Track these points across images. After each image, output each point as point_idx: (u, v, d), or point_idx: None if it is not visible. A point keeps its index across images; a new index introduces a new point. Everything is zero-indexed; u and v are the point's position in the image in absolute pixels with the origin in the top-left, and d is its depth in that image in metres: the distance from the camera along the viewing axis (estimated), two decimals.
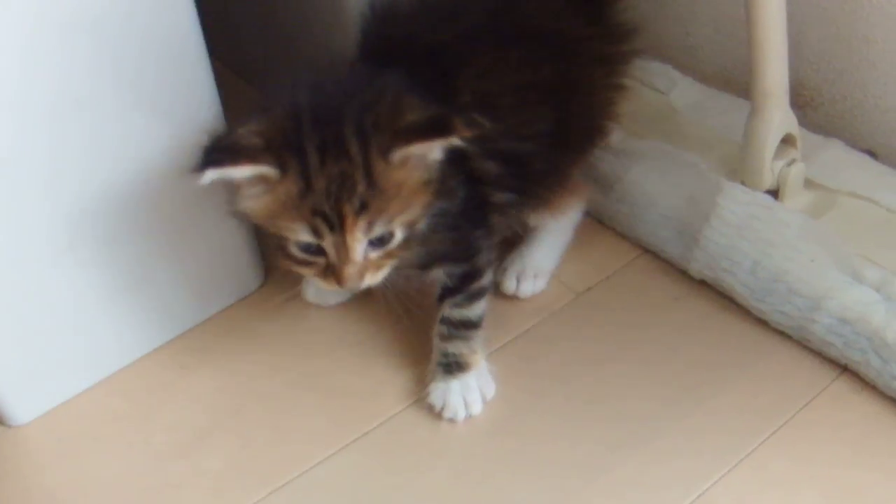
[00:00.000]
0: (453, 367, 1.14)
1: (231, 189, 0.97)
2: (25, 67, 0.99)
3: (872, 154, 1.31)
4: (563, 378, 1.16)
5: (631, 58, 1.20)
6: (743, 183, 1.23)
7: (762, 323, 1.18)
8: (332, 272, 0.98)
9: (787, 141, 1.22)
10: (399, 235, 0.98)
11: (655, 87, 1.43)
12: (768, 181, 1.22)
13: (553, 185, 1.16)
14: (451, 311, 1.14)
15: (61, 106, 1.03)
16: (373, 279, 0.99)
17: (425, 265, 1.10)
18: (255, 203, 0.96)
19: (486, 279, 1.13)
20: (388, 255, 0.99)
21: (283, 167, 0.93)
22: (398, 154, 0.94)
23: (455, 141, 0.94)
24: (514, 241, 1.26)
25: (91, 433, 1.16)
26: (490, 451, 1.10)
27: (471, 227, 1.10)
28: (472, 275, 1.12)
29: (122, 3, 1.03)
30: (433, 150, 0.96)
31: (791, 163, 1.22)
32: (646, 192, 1.27)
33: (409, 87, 0.97)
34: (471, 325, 1.14)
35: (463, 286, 1.12)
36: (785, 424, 1.09)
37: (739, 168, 1.23)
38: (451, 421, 1.13)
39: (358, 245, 0.95)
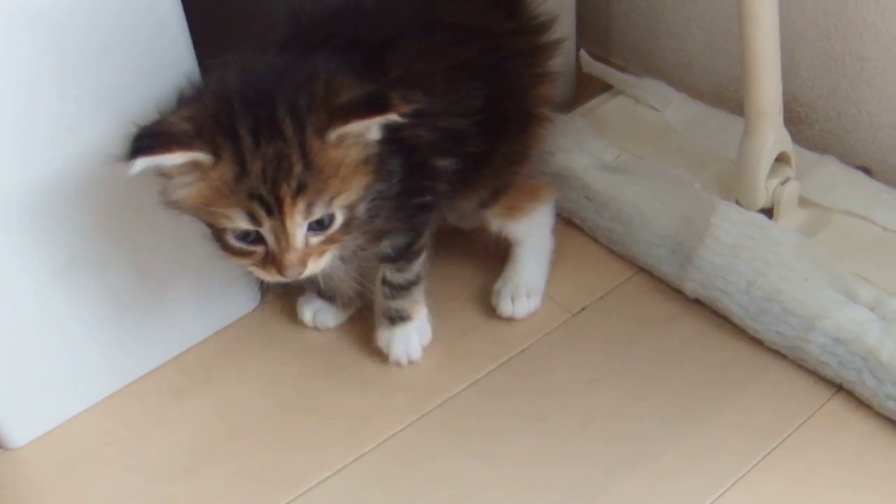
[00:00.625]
0: (396, 319, 1.19)
1: (163, 179, 0.95)
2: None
3: (867, 171, 1.31)
4: (558, 399, 1.15)
5: (551, 49, 1.21)
6: (737, 202, 1.23)
7: (757, 342, 1.18)
8: (271, 261, 0.96)
9: (782, 159, 1.22)
10: (340, 218, 0.97)
11: (650, 104, 1.43)
12: (763, 200, 1.22)
13: (498, 171, 1.17)
14: (392, 275, 1.17)
15: (56, 127, 1.03)
16: (315, 267, 0.98)
17: (370, 244, 1.10)
18: (189, 192, 0.94)
19: (424, 239, 1.15)
20: (330, 240, 0.98)
21: (216, 152, 0.91)
22: (334, 133, 0.93)
23: (393, 117, 0.93)
24: (500, 261, 1.27)
25: (87, 456, 1.16)
26: (487, 473, 1.09)
27: (414, 196, 1.09)
28: (412, 242, 1.14)
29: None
30: (371, 129, 0.95)
31: (785, 181, 1.22)
32: (640, 211, 1.27)
33: (340, 67, 0.97)
34: (412, 284, 1.18)
35: (404, 253, 1.15)
36: (780, 444, 1.09)
37: (734, 187, 1.24)
38: (397, 364, 1.20)
39: (298, 230, 0.94)
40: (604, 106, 1.46)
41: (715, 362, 1.18)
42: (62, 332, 1.15)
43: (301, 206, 0.93)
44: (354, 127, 0.93)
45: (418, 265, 1.17)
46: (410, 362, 1.21)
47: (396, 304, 1.19)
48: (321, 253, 0.98)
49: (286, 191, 0.92)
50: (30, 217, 1.06)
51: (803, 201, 1.25)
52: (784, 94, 1.19)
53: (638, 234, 1.27)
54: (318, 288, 1.24)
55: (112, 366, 1.21)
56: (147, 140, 0.90)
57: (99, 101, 1.04)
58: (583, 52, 1.48)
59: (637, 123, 1.40)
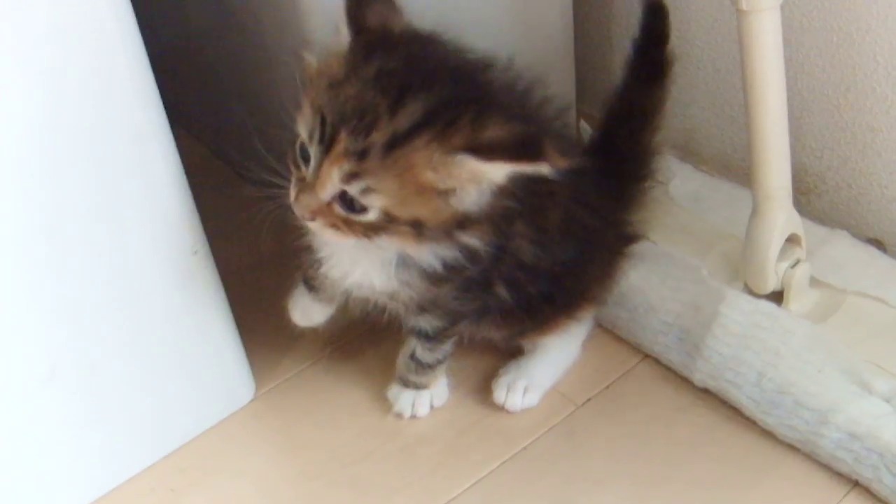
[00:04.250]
0: (412, 384, 1.20)
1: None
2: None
3: (879, 243, 1.28)
4: (562, 500, 1.12)
5: (623, 259, 1.21)
6: (746, 285, 1.20)
7: (769, 434, 1.14)
8: (299, 187, 0.91)
9: (792, 240, 1.18)
10: (372, 215, 0.90)
11: None
12: (772, 283, 1.19)
13: (532, 317, 1.13)
14: (423, 353, 1.16)
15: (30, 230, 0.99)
16: (322, 231, 0.93)
17: (418, 310, 1.08)
18: (325, 57, 0.92)
19: (459, 326, 1.14)
20: (349, 223, 0.91)
21: (356, 47, 0.90)
22: (461, 159, 0.86)
23: (544, 169, 0.85)
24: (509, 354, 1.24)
25: None
26: None
27: (471, 298, 1.06)
28: (447, 327, 1.12)
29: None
30: (499, 175, 0.88)
31: (796, 263, 1.19)
32: (646, 297, 1.23)
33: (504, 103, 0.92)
34: (438, 363, 1.18)
35: (439, 333, 1.13)
36: None
37: (742, 269, 1.20)
38: (398, 416, 1.21)
39: (329, 183, 0.88)
40: None
41: (725, 458, 1.14)
42: (50, 435, 1.11)
43: (345, 167, 0.87)
44: (491, 167, 0.86)
45: (448, 346, 1.16)
46: (414, 417, 1.21)
47: (417, 377, 1.19)
48: (336, 226, 0.92)
49: (344, 139, 0.87)
50: (12, 325, 1.02)
51: (814, 281, 1.22)
52: (792, 164, 1.15)
53: (643, 321, 1.23)
54: (305, 278, 1.17)
55: (104, 466, 1.18)
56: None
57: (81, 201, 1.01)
58: (583, 123, 1.44)
59: None
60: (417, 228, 0.91)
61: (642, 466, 1.14)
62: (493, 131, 0.87)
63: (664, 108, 1.18)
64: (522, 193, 0.92)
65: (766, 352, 1.14)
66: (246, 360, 1.25)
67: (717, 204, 1.33)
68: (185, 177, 1.08)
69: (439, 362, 1.18)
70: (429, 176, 0.88)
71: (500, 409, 1.21)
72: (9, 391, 1.06)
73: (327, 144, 0.88)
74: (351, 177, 0.88)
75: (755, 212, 1.16)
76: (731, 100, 1.36)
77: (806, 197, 1.33)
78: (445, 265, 0.98)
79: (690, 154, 1.44)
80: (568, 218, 1.06)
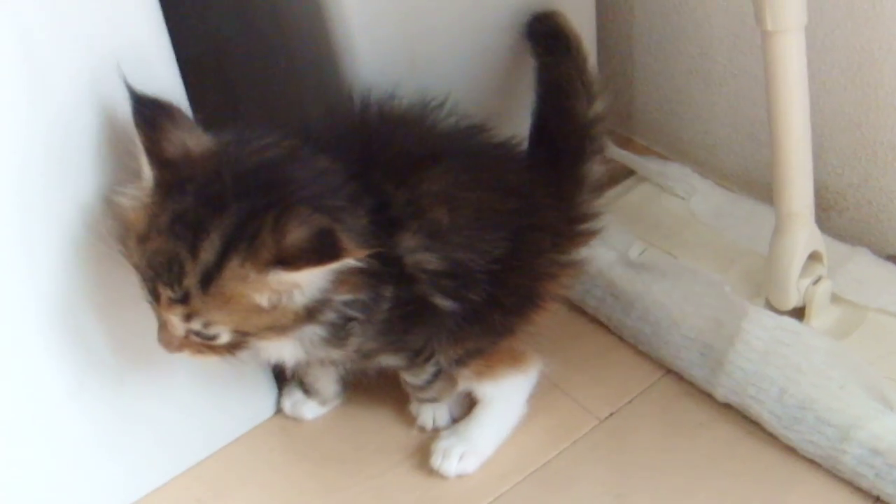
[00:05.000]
0: (427, 400, 1.20)
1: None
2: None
3: None
4: None
5: (583, 238, 1.18)
6: (768, 301, 1.20)
7: (791, 450, 1.14)
8: (158, 324, 0.94)
9: (814, 257, 1.19)
10: (225, 338, 0.93)
11: (675, 192, 1.40)
12: (794, 300, 1.19)
13: (480, 334, 1.10)
14: (408, 378, 1.17)
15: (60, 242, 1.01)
16: (193, 357, 0.95)
17: (361, 361, 1.09)
18: (127, 205, 0.93)
19: (429, 349, 1.10)
20: (213, 349, 0.94)
21: (157, 188, 0.90)
22: (276, 276, 0.88)
23: (349, 262, 0.88)
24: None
25: None
26: None
27: (407, 331, 1.06)
28: (413, 357, 1.11)
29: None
30: (316, 277, 0.90)
31: (817, 280, 1.19)
32: (669, 312, 1.24)
33: (320, 178, 0.94)
34: (431, 382, 1.16)
35: (412, 364, 1.13)
36: None
37: (764, 286, 1.21)
38: (421, 430, 1.22)
39: (173, 325, 0.92)
40: (627, 195, 1.43)
41: (746, 473, 1.14)
42: (76, 447, 1.12)
43: (179, 311, 0.90)
44: (302, 276, 0.88)
45: (432, 367, 1.13)
46: (437, 429, 1.21)
47: (422, 394, 1.19)
48: (201, 352, 0.95)
49: (163, 292, 0.89)
50: (43, 338, 1.04)
51: (835, 298, 1.22)
52: (814, 181, 1.16)
53: (666, 336, 1.24)
54: (299, 380, 1.24)
55: (129, 478, 1.19)
56: (146, 108, 0.90)
57: None
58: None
59: (662, 214, 1.37)
60: (276, 331, 0.94)
61: (664, 480, 1.15)
62: (295, 234, 0.88)
63: (584, 80, 1.18)
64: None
65: (788, 367, 1.14)
66: (271, 373, 1.26)
67: (739, 220, 1.34)
68: None
69: (431, 382, 1.16)
70: (253, 296, 0.90)
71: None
72: (37, 404, 1.07)
73: (155, 297, 0.91)
74: (187, 317, 0.91)
75: (778, 229, 1.17)
76: (752, 117, 1.37)
77: (827, 214, 1.33)
78: (335, 327, 0.98)
79: (712, 170, 1.45)
80: (482, 208, 1.05)
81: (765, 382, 1.15)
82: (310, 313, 0.94)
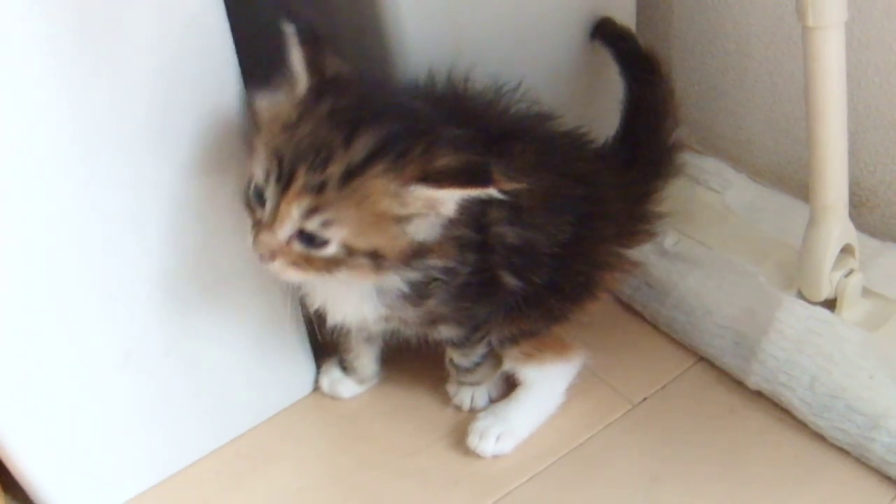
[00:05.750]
0: (466, 383, 1.23)
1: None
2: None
3: None
4: (619, 496, 1.15)
5: (643, 237, 1.23)
6: (800, 292, 1.22)
7: (820, 437, 1.17)
8: (257, 228, 0.94)
9: (846, 251, 1.21)
10: (332, 249, 0.93)
11: (710, 186, 1.42)
12: (826, 292, 1.21)
13: (536, 318, 1.14)
14: (458, 358, 1.20)
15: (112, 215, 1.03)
16: (283, 271, 0.94)
17: (424, 327, 1.11)
18: (271, 103, 0.96)
19: (485, 329, 1.15)
20: (309, 260, 0.94)
21: (310, 91, 0.94)
22: (416, 190, 0.91)
23: (493, 192, 0.90)
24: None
25: None
26: None
27: (476, 301, 1.09)
28: (469, 335, 1.15)
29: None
30: (450, 201, 0.93)
31: (849, 273, 1.21)
32: (703, 301, 1.26)
33: (451, 138, 0.95)
34: (477, 365, 1.20)
35: (465, 342, 1.16)
36: None
37: (797, 277, 1.22)
38: (457, 408, 1.25)
39: (287, 220, 0.91)
40: None
41: (777, 459, 1.16)
42: (122, 417, 1.15)
43: (304, 203, 0.90)
44: (444, 193, 0.91)
45: (483, 347, 1.18)
46: (473, 410, 1.24)
47: (465, 377, 1.23)
48: (297, 265, 0.94)
49: (302, 174, 0.90)
50: (90, 310, 1.06)
51: (866, 292, 1.24)
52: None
53: (700, 324, 1.26)
54: (338, 358, 1.26)
55: (170, 448, 1.22)
56: (303, 33, 0.94)
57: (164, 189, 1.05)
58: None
59: (696, 206, 1.39)
60: (375, 260, 0.95)
61: (696, 464, 1.17)
62: (443, 161, 0.91)
63: (672, 105, 1.25)
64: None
65: (820, 357, 1.16)
66: (311, 350, 1.29)
67: (772, 214, 1.36)
68: None
69: (478, 365, 1.20)
70: (386, 203, 0.91)
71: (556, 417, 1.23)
72: (85, 374, 1.10)
73: (285, 183, 0.91)
74: (310, 212, 0.90)
75: (812, 222, 1.19)
76: (787, 113, 1.39)
77: (859, 210, 1.35)
78: (418, 285, 1.01)
79: (746, 165, 1.46)
80: (552, 191, 1.07)
81: (796, 371, 1.17)
82: (415, 254, 0.96)
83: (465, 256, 1.01)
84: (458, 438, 1.22)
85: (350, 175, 0.90)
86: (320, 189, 0.90)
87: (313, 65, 0.95)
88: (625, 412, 1.23)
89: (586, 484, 1.16)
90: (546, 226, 1.07)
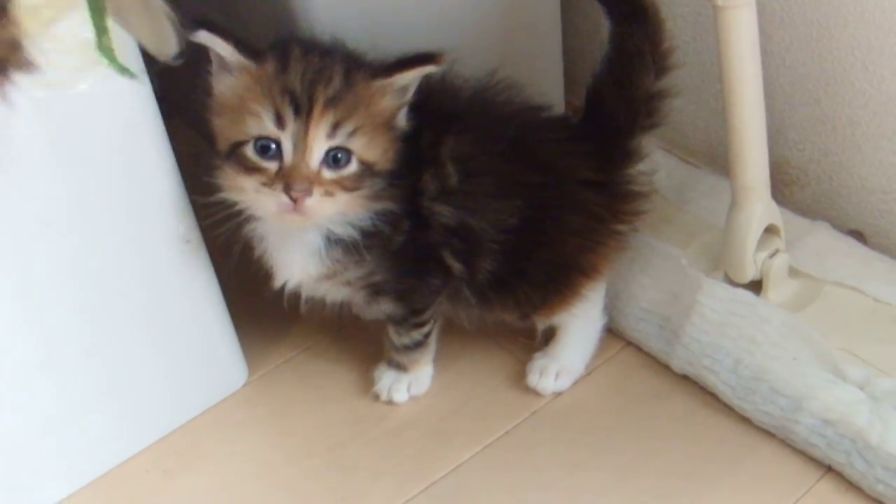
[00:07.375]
0: (394, 364, 1.24)
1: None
2: None
3: (859, 234, 1.30)
4: (541, 485, 1.14)
5: (631, 216, 1.18)
6: (726, 275, 1.22)
7: (746, 420, 1.17)
8: (282, 177, 0.98)
9: (771, 230, 1.20)
10: (354, 166, 1.00)
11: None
12: (751, 273, 1.21)
13: (519, 300, 1.15)
14: (395, 336, 1.21)
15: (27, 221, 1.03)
16: (319, 205, 0.99)
17: (367, 299, 1.14)
18: (231, 84, 1.00)
19: (426, 317, 1.18)
20: (339, 183, 0.99)
21: (260, 60, 0.99)
22: (384, 80, 1.00)
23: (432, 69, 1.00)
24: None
25: None
26: None
27: (420, 278, 1.11)
28: (408, 316, 1.17)
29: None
30: (413, 84, 1.01)
31: (774, 254, 1.21)
32: (627, 285, 1.26)
33: None
34: (412, 347, 1.21)
35: (405, 322, 1.18)
36: None
37: (721, 259, 1.22)
38: (375, 397, 1.25)
39: (317, 144, 0.97)
40: None
41: (703, 442, 1.16)
42: (45, 420, 1.14)
43: (329, 118, 0.97)
44: (403, 77, 1.00)
45: (418, 335, 1.19)
46: (390, 402, 1.24)
47: (398, 356, 1.23)
48: (329, 193, 0.99)
49: (321, 93, 0.97)
50: (8, 312, 1.06)
51: (793, 271, 1.24)
52: (775, 156, 1.18)
53: (625, 309, 1.26)
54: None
55: (97, 449, 1.20)
56: (216, 27, 0.98)
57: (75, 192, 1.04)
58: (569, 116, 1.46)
59: None
60: (373, 178, 1.02)
61: (622, 450, 1.17)
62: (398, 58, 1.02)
63: (656, 52, 1.14)
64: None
65: (742, 339, 1.16)
66: (238, 345, 1.28)
67: (701, 195, 1.35)
68: (177, 167, 1.11)
69: (408, 349, 1.21)
70: (386, 102, 1.01)
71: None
72: (6, 376, 1.09)
73: (307, 109, 0.97)
74: (335, 126, 0.98)
75: (734, 203, 1.18)
76: (716, 93, 1.37)
77: (789, 189, 1.35)
78: (364, 233, 1.05)
79: (677, 146, 1.46)
80: (499, 180, 1.08)
81: (720, 354, 1.17)
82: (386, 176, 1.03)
83: (399, 223, 1.06)
84: (386, 429, 1.22)
85: (350, 85, 0.99)
86: (336, 102, 0.97)
87: (244, 45, 1.00)
88: (550, 399, 1.23)
89: (508, 472, 1.16)
90: (487, 211, 1.08)
